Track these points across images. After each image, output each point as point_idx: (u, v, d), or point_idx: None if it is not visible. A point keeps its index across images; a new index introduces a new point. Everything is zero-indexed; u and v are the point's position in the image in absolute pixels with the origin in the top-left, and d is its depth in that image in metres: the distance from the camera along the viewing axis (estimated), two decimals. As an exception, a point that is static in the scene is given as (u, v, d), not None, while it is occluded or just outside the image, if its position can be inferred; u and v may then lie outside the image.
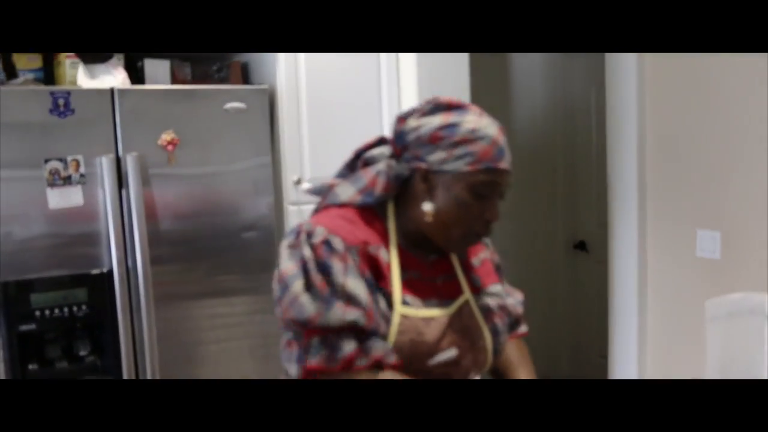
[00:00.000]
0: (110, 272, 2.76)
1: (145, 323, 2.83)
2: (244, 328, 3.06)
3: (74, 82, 2.76)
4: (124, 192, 2.79)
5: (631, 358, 3.57)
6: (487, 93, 3.65)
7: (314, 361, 1.50)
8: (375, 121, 3.32)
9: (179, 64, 3.09)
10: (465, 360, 1.62)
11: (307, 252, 1.52)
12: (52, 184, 2.66)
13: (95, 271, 2.76)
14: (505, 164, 1.59)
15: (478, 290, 1.72)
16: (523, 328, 1.90)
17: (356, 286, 1.51)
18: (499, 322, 1.73)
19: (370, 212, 1.65)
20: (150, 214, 2.85)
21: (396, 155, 1.65)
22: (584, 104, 4.72)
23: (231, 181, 3.03)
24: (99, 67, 2.84)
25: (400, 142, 1.63)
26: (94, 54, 2.84)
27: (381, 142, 1.70)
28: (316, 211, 1.71)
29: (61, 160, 2.67)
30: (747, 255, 2.97)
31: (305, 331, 1.50)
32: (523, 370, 1.77)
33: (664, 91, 3.30)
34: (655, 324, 3.49)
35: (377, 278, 1.56)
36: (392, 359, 1.52)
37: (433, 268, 1.68)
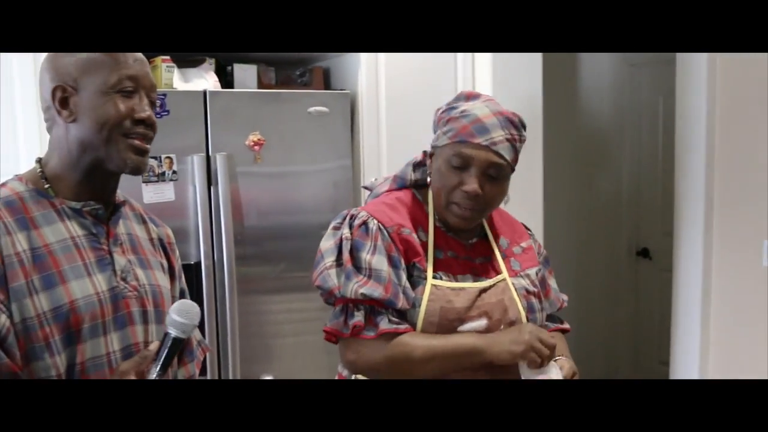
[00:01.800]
0: (198, 264, 2.92)
1: (228, 314, 2.98)
2: (320, 322, 3.16)
3: (169, 85, 2.92)
4: (212, 189, 2.95)
5: (692, 366, 3.60)
6: (556, 97, 3.73)
7: (331, 324, 1.79)
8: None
9: (265, 68, 3.24)
10: (497, 330, 1.80)
11: (346, 232, 1.80)
12: (146, 181, 2.82)
13: (183, 263, 2.91)
14: (480, 140, 1.76)
15: (516, 273, 1.90)
16: (565, 325, 2.08)
17: (380, 262, 1.76)
18: (535, 301, 1.91)
19: (413, 199, 1.90)
20: (236, 210, 3.00)
21: None
22: (651, 113, 4.76)
23: (312, 182, 3.17)
24: (192, 71, 3.00)
25: (434, 125, 1.88)
26: (187, 59, 3.01)
27: None
28: (375, 197, 1.98)
29: (155, 158, 2.83)
30: (814, 266, 3.01)
31: (333, 298, 1.79)
32: (562, 360, 1.88)
33: (734, 101, 3.35)
34: (718, 332, 3.52)
35: (411, 255, 1.80)
36: (403, 327, 1.74)
37: (472, 250, 1.89)
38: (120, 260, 1.55)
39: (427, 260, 1.81)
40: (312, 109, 3.10)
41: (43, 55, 2.65)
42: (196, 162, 2.90)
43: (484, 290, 1.82)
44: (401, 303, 1.75)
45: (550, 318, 2.04)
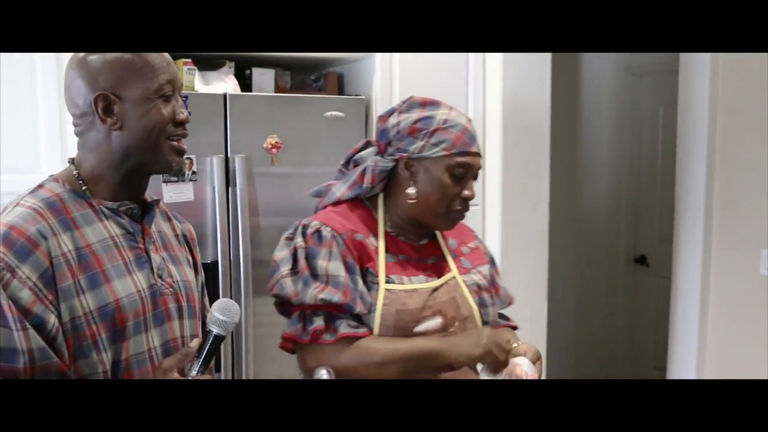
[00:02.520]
0: (215, 263, 2.98)
1: (243, 313, 3.04)
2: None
3: (190, 87, 2.97)
4: (230, 190, 3.01)
5: (689, 371, 3.67)
6: (558, 104, 3.80)
7: (289, 331, 1.84)
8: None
9: (281, 73, 3.30)
10: (453, 328, 1.88)
11: (299, 241, 1.86)
12: (167, 181, 2.87)
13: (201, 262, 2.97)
14: (474, 147, 1.88)
15: (467, 270, 1.99)
16: (513, 322, 2.15)
17: (336, 268, 1.82)
18: (487, 296, 1.99)
19: (362, 206, 1.96)
20: (252, 211, 3.07)
21: (381, 152, 1.95)
22: (651, 122, 4.85)
23: (327, 184, 3.22)
24: (212, 74, 3.06)
25: (384, 139, 1.93)
26: (208, 62, 3.07)
27: (368, 144, 2.01)
28: (317, 210, 2.04)
29: (175, 158, 2.88)
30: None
31: (290, 307, 1.84)
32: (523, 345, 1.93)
33: (736, 112, 3.43)
34: (715, 339, 3.59)
35: (365, 261, 1.86)
36: (362, 331, 1.81)
37: (423, 251, 1.97)
38: (155, 258, 1.60)
39: (378, 265, 1.87)
40: (328, 113, 3.17)
41: (65, 56, 2.74)
42: (215, 163, 2.96)
43: (435, 289, 1.89)
44: (359, 307, 1.81)
45: (500, 316, 2.11)
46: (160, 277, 1.59)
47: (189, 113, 1.60)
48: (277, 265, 1.87)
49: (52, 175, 1.58)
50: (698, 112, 3.55)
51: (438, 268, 1.95)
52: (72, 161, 1.59)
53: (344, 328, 1.80)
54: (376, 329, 1.82)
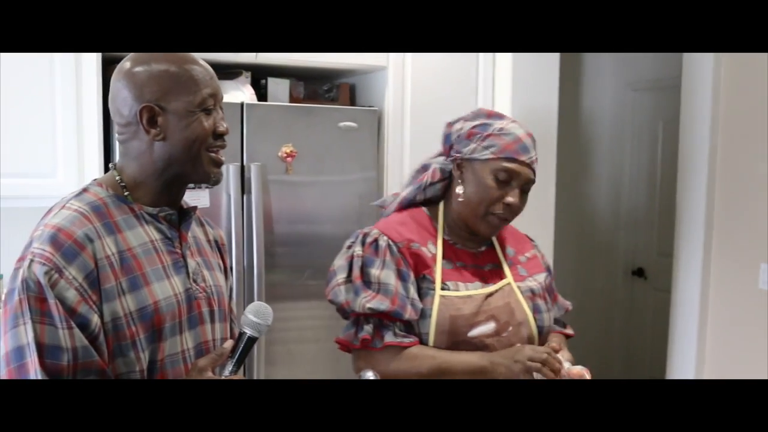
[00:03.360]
0: (230, 269, 3.01)
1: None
2: (340, 330, 3.28)
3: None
4: (246, 197, 3.06)
5: (688, 382, 3.72)
6: (559, 117, 3.85)
7: (344, 336, 1.97)
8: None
9: (295, 83, 3.36)
10: (506, 333, 1.95)
11: (358, 250, 1.97)
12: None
13: (215, 268, 3.02)
14: (525, 158, 1.93)
15: (522, 278, 2.06)
16: (569, 330, 2.23)
17: (387, 276, 1.91)
18: (541, 302, 2.05)
19: (422, 214, 2.06)
20: (267, 218, 3.12)
21: (445, 155, 2.05)
22: (651, 136, 4.91)
23: (339, 193, 3.29)
24: (229, 84, 3.10)
25: (447, 143, 2.04)
26: (225, 72, 3.12)
27: (441, 154, 2.10)
28: (381, 216, 2.15)
29: (193, 166, 2.93)
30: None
31: (347, 313, 1.95)
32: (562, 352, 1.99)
33: (736, 127, 3.47)
34: (714, 353, 3.61)
35: (421, 268, 1.95)
36: (407, 341, 1.89)
37: (480, 258, 2.05)
38: (191, 263, 1.65)
39: (435, 272, 1.95)
40: (342, 124, 3.23)
41: (86, 58, 2.76)
42: (232, 171, 3.01)
43: (490, 295, 1.96)
44: (408, 314, 1.89)
45: (556, 322, 2.18)
46: (194, 281, 1.65)
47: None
48: (335, 273, 1.98)
49: (95, 180, 1.64)
50: (700, 127, 3.60)
51: (494, 275, 2.02)
52: (114, 167, 1.64)
53: (390, 336, 1.89)
54: (431, 334, 1.91)
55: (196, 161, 1.59)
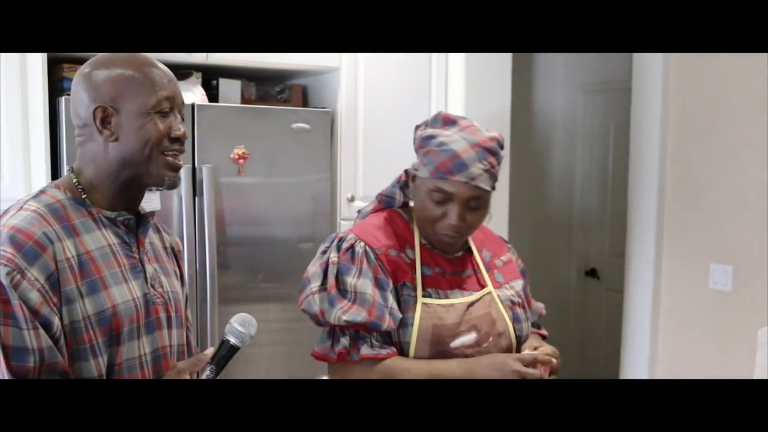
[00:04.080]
0: (180, 273, 2.98)
1: (209, 322, 3.05)
2: (295, 333, 3.26)
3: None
4: (197, 199, 3.02)
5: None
6: (513, 119, 3.87)
7: (319, 349, 1.87)
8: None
9: (246, 84, 3.33)
10: (486, 343, 1.89)
11: (333, 256, 1.87)
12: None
13: (166, 271, 2.97)
14: (459, 176, 1.80)
15: (500, 284, 2.00)
16: (543, 331, 2.20)
17: (365, 285, 1.83)
18: (521, 311, 2.01)
19: (399, 217, 1.98)
20: (219, 221, 3.08)
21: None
22: (602, 138, 4.95)
23: (293, 194, 3.26)
24: (180, 84, 3.05)
25: (415, 148, 1.94)
26: (175, 72, 3.06)
27: None
28: (363, 218, 2.06)
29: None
30: (757, 288, 3.19)
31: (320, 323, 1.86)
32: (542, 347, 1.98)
33: (687, 129, 3.51)
34: (666, 351, 3.66)
35: (400, 275, 1.87)
36: (384, 352, 1.82)
37: (458, 263, 1.97)
38: (149, 268, 1.64)
39: (415, 279, 1.88)
40: (295, 125, 3.20)
41: (29, 55, 2.70)
42: (183, 173, 2.91)
43: (471, 304, 1.90)
44: (386, 324, 1.81)
45: (531, 325, 2.14)
46: (152, 286, 1.63)
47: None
48: (308, 280, 1.89)
49: (52, 182, 1.63)
50: (650, 129, 3.63)
51: (472, 282, 1.96)
52: (71, 169, 1.62)
53: (366, 349, 1.81)
54: (413, 343, 1.84)
55: (150, 163, 1.57)
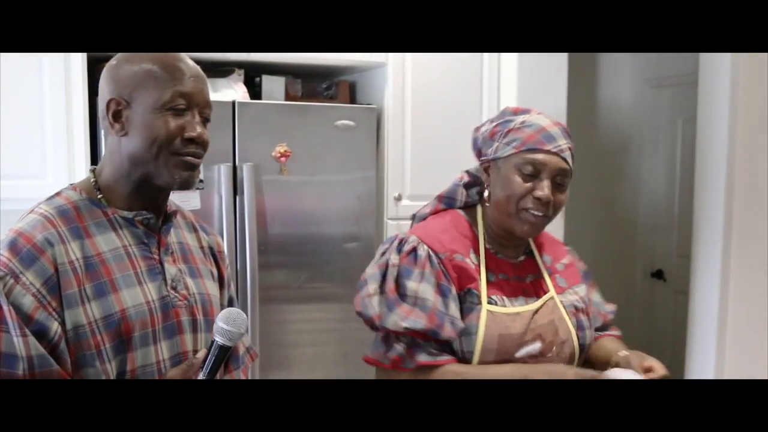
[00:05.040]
0: (221, 272, 2.94)
1: (250, 322, 3.00)
2: (339, 333, 3.21)
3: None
4: (238, 198, 2.97)
5: (707, 388, 3.59)
6: (575, 115, 3.74)
7: (372, 354, 1.79)
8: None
9: (291, 80, 3.27)
10: (550, 353, 1.80)
11: (393, 258, 1.78)
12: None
13: (208, 271, 2.95)
14: (550, 146, 1.75)
15: (563, 290, 1.90)
16: (615, 331, 2.07)
17: (426, 291, 1.74)
18: (584, 317, 1.90)
19: (462, 220, 1.89)
20: (260, 220, 3.03)
21: (477, 160, 1.90)
22: (670, 135, 4.78)
23: (336, 193, 3.20)
24: (221, 82, 3.02)
25: (476, 148, 1.89)
26: (217, 69, 3.04)
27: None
28: (415, 218, 1.99)
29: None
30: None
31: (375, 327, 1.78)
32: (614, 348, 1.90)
33: (756, 125, 3.36)
34: (733, 356, 3.52)
35: (465, 282, 1.78)
36: (442, 359, 1.73)
37: (521, 269, 1.88)
38: (170, 269, 1.58)
39: (480, 285, 1.79)
40: (339, 122, 3.14)
41: (74, 58, 2.71)
42: (223, 171, 2.93)
43: (536, 312, 1.81)
44: (446, 333, 1.73)
45: (599, 329, 2.02)
46: (174, 288, 1.57)
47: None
48: (365, 282, 1.81)
49: (72, 184, 1.60)
50: (718, 126, 3.48)
51: (536, 288, 1.88)
52: (93, 170, 1.59)
53: (423, 356, 1.73)
54: (477, 352, 1.75)
55: (157, 163, 1.51)
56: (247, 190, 2.96)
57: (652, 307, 4.97)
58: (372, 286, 1.78)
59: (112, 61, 1.55)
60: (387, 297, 1.75)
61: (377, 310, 1.75)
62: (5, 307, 1.36)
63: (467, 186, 1.92)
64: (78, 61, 2.79)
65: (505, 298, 1.80)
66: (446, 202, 1.94)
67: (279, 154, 3.03)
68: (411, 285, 1.75)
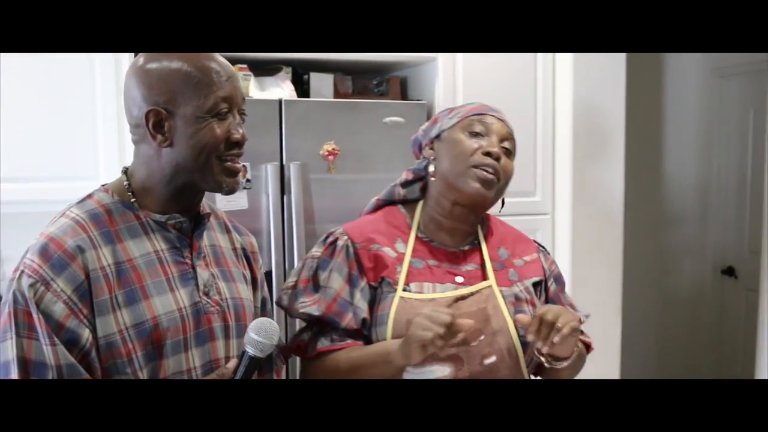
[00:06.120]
0: (269, 273, 2.91)
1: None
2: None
3: (245, 93, 2.93)
4: (285, 197, 2.95)
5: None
6: (639, 106, 3.62)
7: (289, 342, 1.87)
8: (529, 132, 3.37)
9: (341, 77, 3.23)
10: (475, 342, 1.71)
11: (317, 250, 1.84)
12: (221, 188, 2.84)
13: (256, 271, 2.93)
14: (495, 113, 1.83)
15: (511, 283, 1.83)
16: (585, 337, 1.94)
17: (334, 280, 1.78)
18: (527, 308, 1.81)
19: (397, 213, 1.91)
20: (308, 219, 3.00)
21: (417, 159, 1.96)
22: (741, 126, 4.60)
23: (386, 192, 3.13)
24: (268, 80, 3.00)
25: (416, 145, 1.95)
26: (264, 67, 3.02)
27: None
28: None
29: (230, 166, 2.85)
30: None
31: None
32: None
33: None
34: None
35: (380, 271, 1.79)
36: (338, 344, 1.74)
37: (460, 257, 1.86)
38: (203, 274, 1.56)
39: (399, 273, 1.78)
40: (387, 119, 3.08)
41: (124, 58, 2.73)
42: (270, 171, 2.90)
43: (462, 298, 1.77)
44: (346, 321, 1.74)
45: None
46: (206, 294, 1.55)
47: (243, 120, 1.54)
48: (290, 275, 1.88)
49: (103, 185, 1.57)
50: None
51: (473, 277, 1.83)
52: (125, 171, 1.56)
53: (322, 342, 1.77)
54: (388, 339, 1.74)
55: (205, 170, 1.49)
56: (294, 189, 2.93)
57: (722, 305, 4.81)
58: (291, 280, 1.84)
59: (140, 60, 1.50)
60: (296, 288, 1.81)
61: (287, 302, 1.81)
62: (35, 315, 1.35)
63: (407, 183, 1.94)
64: (126, 62, 2.79)
65: (426, 284, 1.78)
66: (383, 202, 1.98)
67: (327, 152, 2.99)
68: (323, 275, 1.79)
